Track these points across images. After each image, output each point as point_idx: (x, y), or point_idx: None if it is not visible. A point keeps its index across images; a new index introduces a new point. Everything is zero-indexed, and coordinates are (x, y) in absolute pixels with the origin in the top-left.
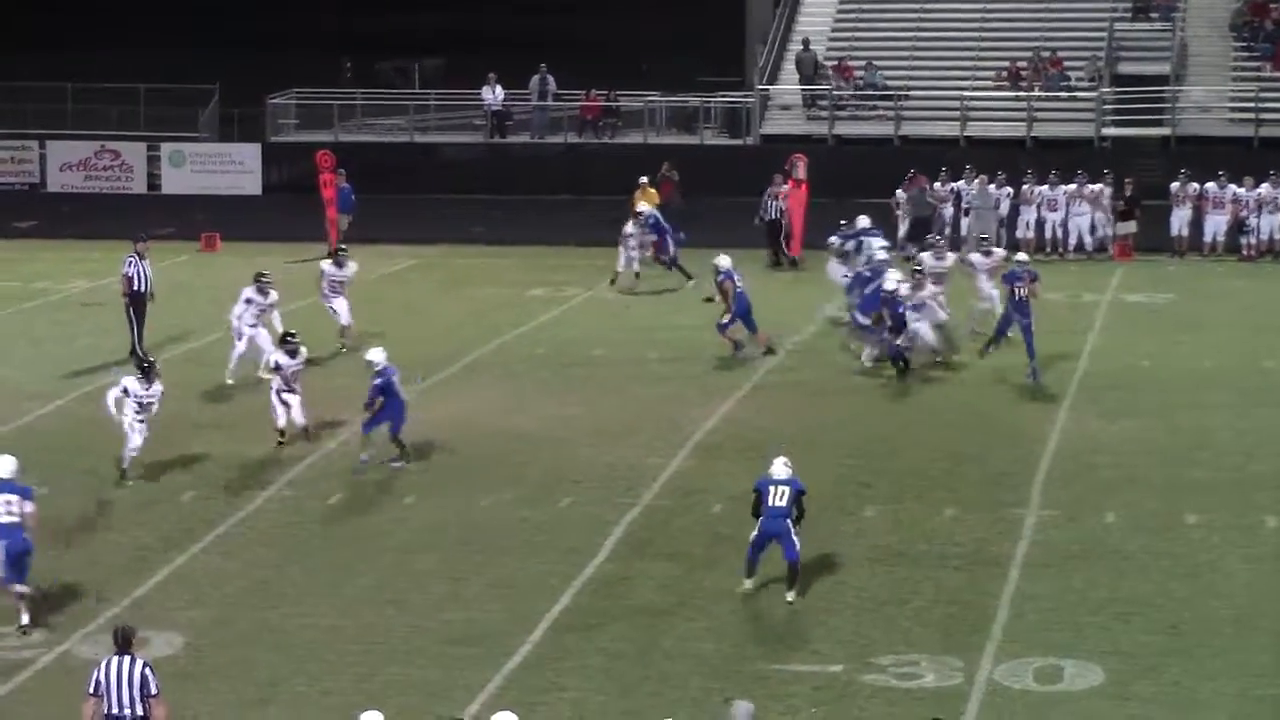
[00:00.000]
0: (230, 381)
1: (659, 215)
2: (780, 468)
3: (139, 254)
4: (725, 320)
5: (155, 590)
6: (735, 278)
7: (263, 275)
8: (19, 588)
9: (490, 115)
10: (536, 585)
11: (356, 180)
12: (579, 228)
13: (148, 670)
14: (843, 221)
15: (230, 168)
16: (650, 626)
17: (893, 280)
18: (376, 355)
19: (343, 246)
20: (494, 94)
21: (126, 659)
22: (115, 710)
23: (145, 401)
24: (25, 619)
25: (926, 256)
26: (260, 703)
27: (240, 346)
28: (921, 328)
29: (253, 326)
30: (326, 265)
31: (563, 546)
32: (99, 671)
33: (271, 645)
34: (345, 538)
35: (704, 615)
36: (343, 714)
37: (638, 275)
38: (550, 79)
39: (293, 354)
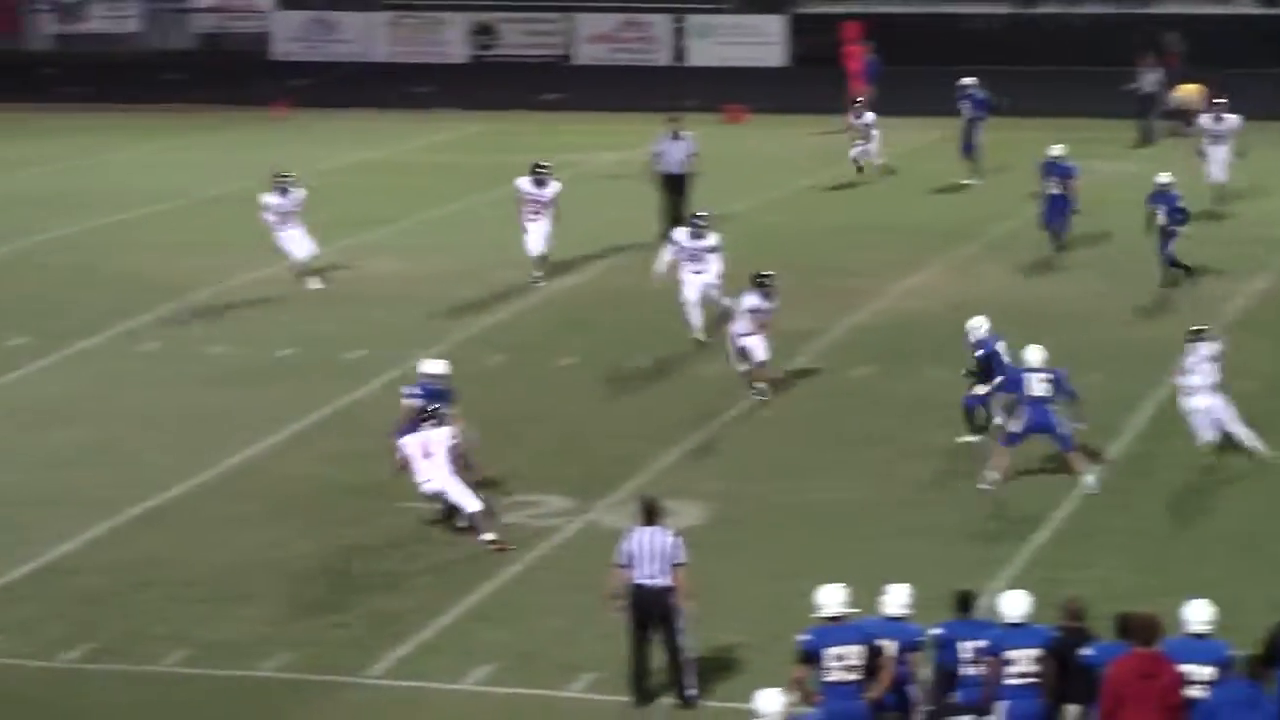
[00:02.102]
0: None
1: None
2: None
3: (670, 133)
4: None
5: (681, 461)
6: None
7: (697, 216)
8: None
9: None
10: (1063, 462)
11: (881, 52)
12: (1104, 99)
13: (677, 541)
14: None
15: (755, 39)
16: (1181, 505)
17: None
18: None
19: (544, 164)
20: None
21: (654, 530)
22: (645, 580)
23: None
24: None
25: None
26: (788, 575)
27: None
28: None
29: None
30: (524, 183)
31: (1090, 423)
32: (628, 543)
33: (799, 519)
34: (867, 409)
35: (1237, 493)
36: (871, 587)
37: (860, 169)
38: None
39: (767, 295)
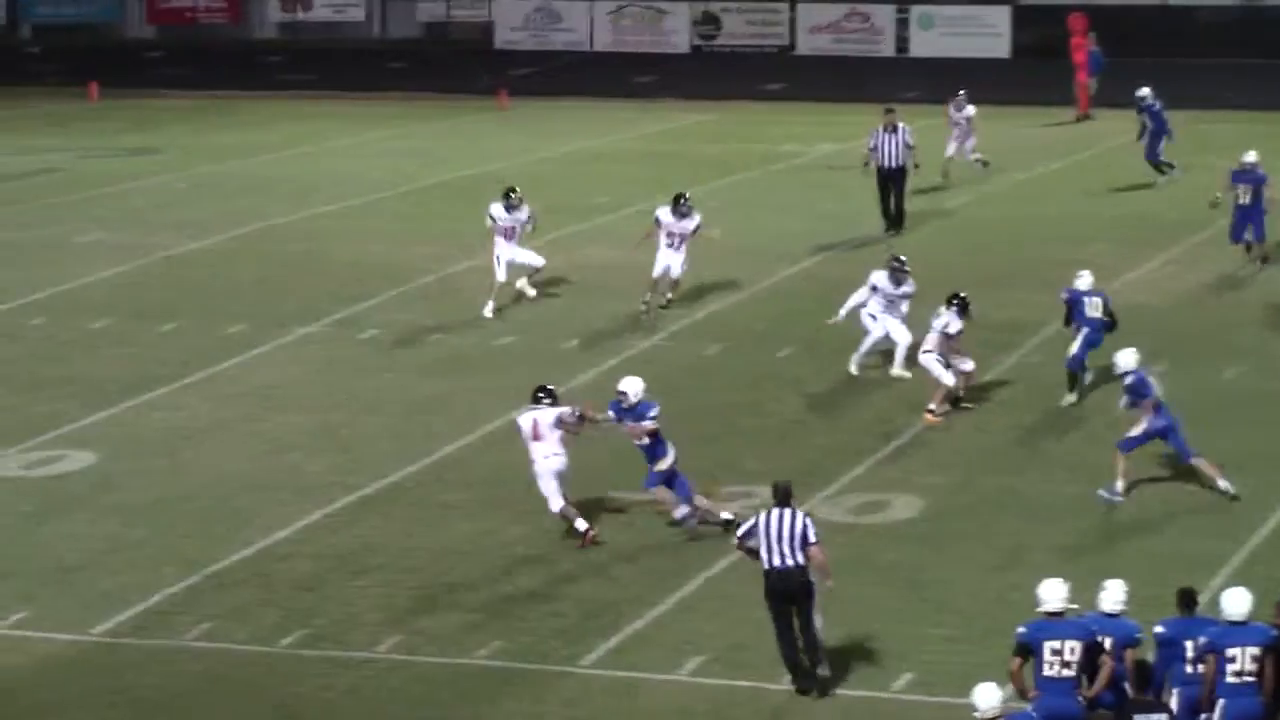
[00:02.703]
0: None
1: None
2: (1131, 356)
3: (886, 126)
4: None
5: (896, 454)
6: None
7: (897, 259)
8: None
9: None
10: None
11: (1107, 43)
12: None
13: (807, 521)
14: None
15: (980, 30)
16: None
17: None
18: (1128, 359)
19: (686, 195)
20: None
21: (786, 512)
22: (777, 562)
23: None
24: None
25: None
26: (1000, 568)
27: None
28: None
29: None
30: (664, 213)
31: None
32: (755, 521)
33: (1014, 512)
34: (1086, 401)
35: None
36: (1083, 582)
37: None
38: None
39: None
